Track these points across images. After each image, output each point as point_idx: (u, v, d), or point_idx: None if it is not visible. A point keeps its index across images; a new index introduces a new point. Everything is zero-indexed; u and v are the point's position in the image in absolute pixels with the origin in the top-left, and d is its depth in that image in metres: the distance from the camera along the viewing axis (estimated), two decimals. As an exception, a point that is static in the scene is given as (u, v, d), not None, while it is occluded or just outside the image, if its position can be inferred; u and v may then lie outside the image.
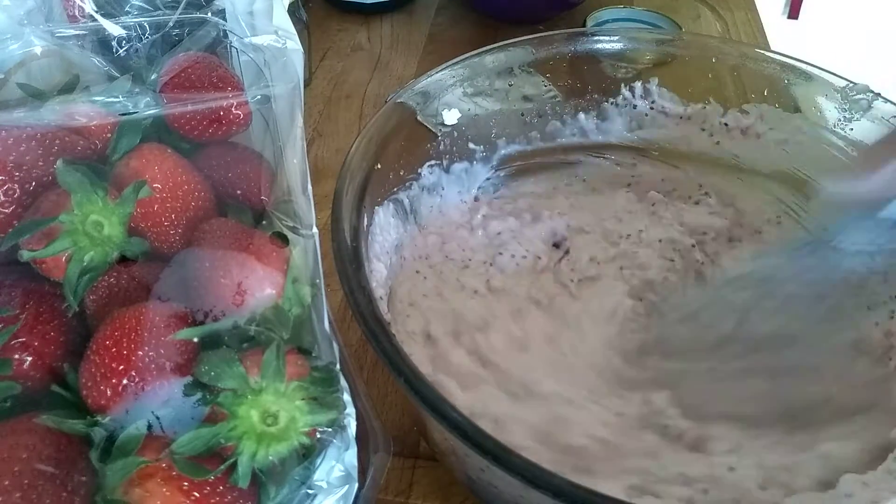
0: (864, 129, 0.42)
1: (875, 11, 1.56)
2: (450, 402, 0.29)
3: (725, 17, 0.85)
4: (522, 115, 0.51)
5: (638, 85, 0.52)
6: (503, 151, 0.51)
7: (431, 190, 0.48)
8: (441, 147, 0.48)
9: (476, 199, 0.51)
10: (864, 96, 0.46)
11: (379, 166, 0.41)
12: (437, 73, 0.47)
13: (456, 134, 0.48)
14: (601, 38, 0.52)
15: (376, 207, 0.42)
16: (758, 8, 0.87)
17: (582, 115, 0.53)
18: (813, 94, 0.49)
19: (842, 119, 0.47)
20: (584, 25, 0.72)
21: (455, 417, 0.29)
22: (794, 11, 1.68)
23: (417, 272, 0.46)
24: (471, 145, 0.50)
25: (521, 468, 0.28)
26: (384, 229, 0.43)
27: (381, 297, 0.38)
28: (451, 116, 0.48)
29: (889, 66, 1.24)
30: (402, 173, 0.45)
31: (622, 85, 0.52)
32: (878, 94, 0.46)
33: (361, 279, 0.34)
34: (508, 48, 0.50)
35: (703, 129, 0.52)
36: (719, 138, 0.52)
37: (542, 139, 0.53)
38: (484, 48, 0.49)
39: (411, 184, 0.46)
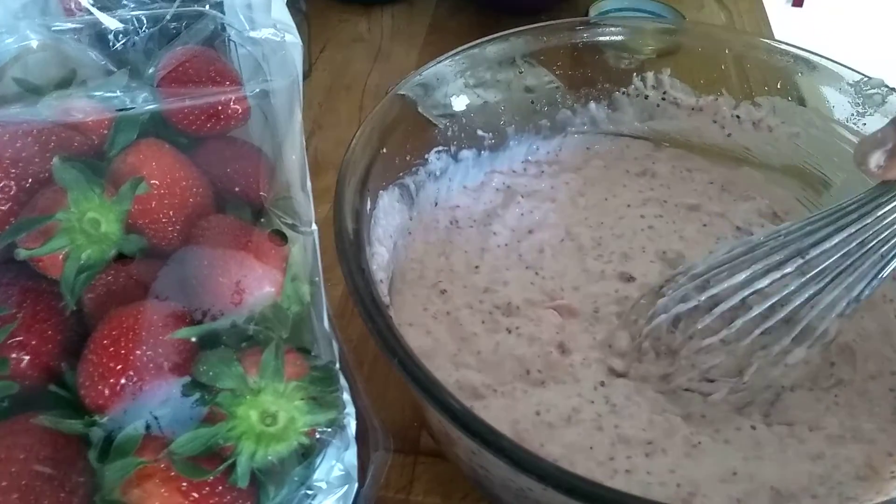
0: (877, 125, 0.41)
1: (879, -1, 1.55)
2: (441, 383, 0.29)
3: (730, 6, 0.84)
4: (532, 102, 0.51)
5: (650, 75, 0.52)
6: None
7: (438, 176, 0.47)
8: (449, 133, 0.47)
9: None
10: (879, 91, 0.45)
11: (384, 150, 0.41)
12: (436, 64, 0.46)
13: (464, 120, 0.48)
14: (603, 27, 0.52)
15: (381, 192, 0.42)
16: (762, -3, 0.86)
17: (593, 105, 0.52)
18: (818, 85, 0.48)
19: (854, 114, 0.46)
20: (586, 16, 0.71)
21: (447, 400, 0.29)
22: (798, 0, 1.67)
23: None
24: (479, 132, 0.49)
25: (507, 450, 0.28)
26: (388, 213, 0.42)
27: (380, 281, 0.38)
28: (459, 102, 0.47)
29: (894, 55, 1.23)
30: (408, 158, 0.45)
31: (634, 75, 0.52)
32: (893, 89, 0.45)
33: (361, 261, 0.34)
34: (509, 38, 0.49)
35: (715, 121, 0.52)
36: (731, 130, 0.51)
37: (552, 128, 0.52)
38: (484, 38, 0.49)
39: (418, 169, 0.46)
